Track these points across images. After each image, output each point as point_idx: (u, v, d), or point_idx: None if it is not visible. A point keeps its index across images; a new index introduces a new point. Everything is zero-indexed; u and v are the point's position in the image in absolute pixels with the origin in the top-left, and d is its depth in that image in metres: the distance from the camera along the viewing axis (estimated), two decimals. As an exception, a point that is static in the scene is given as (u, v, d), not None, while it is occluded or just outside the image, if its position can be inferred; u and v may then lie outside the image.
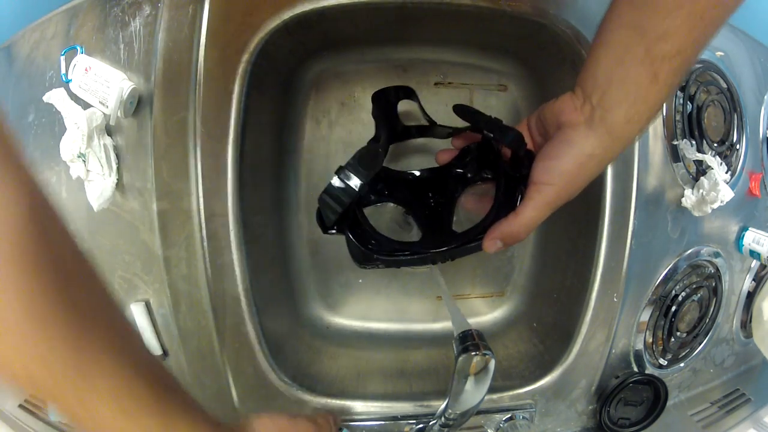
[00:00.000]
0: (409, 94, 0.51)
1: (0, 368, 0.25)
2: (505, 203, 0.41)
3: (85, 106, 0.47)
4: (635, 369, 0.55)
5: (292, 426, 0.41)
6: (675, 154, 0.52)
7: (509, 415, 0.50)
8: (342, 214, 0.38)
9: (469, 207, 0.48)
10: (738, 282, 0.60)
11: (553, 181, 0.37)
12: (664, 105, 0.51)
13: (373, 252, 0.41)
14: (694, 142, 0.52)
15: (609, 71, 0.34)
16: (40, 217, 0.26)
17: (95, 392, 0.27)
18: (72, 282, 0.27)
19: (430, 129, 0.52)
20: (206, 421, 0.34)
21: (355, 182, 0.36)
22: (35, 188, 0.26)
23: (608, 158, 0.36)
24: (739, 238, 0.58)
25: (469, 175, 0.49)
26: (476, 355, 0.36)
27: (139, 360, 0.30)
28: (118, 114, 0.45)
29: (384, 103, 0.51)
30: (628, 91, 0.34)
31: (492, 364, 0.37)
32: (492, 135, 0.40)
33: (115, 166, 0.47)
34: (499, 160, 0.43)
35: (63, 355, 0.26)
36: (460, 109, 0.44)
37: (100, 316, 0.29)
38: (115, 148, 0.47)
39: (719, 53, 0.55)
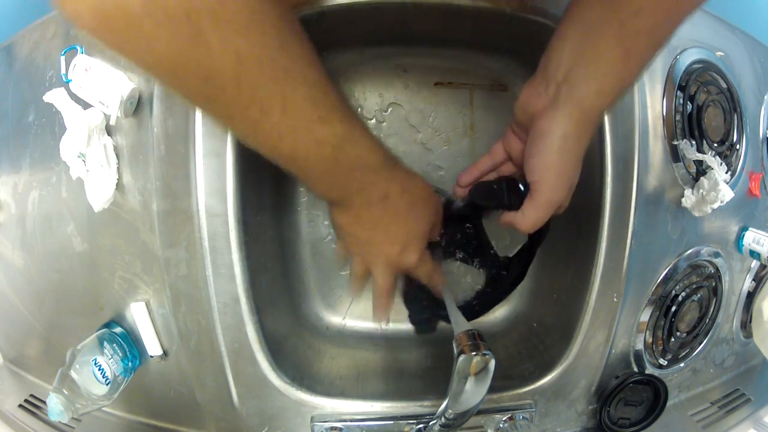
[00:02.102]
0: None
1: (209, 57, 0.25)
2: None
3: (85, 106, 0.47)
4: (635, 369, 0.55)
5: (433, 199, 0.46)
6: (675, 154, 0.52)
7: (509, 415, 0.50)
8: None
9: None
10: (738, 282, 0.60)
11: (543, 177, 0.37)
12: (664, 104, 0.51)
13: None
14: (694, 142, 0.52)
15: (578, 47, 0.35)
16: None
17: (296, 82, 0.29)
18: None
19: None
20: (377, 138, 0.37)
21: None
22: None
23: (584, 132, 0.36)
24: (739, 238, 0.58)
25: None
26: (476, 355, 0.36)
27: (325, 72, 0.31)
28: (118, 114, 0.45)
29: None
30: (598, 67, 0.34)
31: (492, 364, 0.37)
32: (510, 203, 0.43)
33: (115, 166, 0.47)
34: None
35: (273, 41, 0.27)
36: (476, 193, 0.47)
37: (296, 25, 0.30)
38: (115, 148, 0.47)
39: (719, 53, 0.55)
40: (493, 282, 0.57)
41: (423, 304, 0.55)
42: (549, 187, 0.38)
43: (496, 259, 0.57)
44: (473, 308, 0.58)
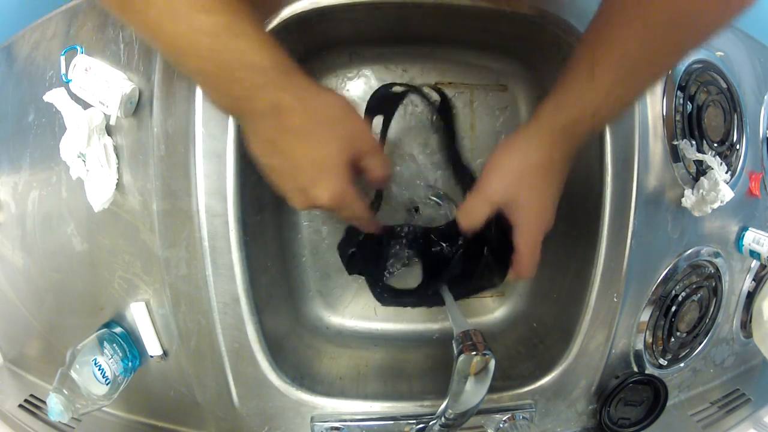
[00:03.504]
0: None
1: None
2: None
3: (85, 106, 0.47)
4: (635, 369, 0.55)
5: (353, 116, 0.37)
6: (675, 154, 0.52)
7: (509, 415, 0.50)
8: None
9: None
10: (738, 282, 0.60)
11: (488, 167, 0.40)
12: (664, 104, 0.51)
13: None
14: (694, 142, 0.52)
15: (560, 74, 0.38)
16: None
17: None
18: None
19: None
20: (273, 40, 0.32)
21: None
22: None
23: (534, 137, 0.38)
24: (739, 238, 0.57)
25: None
26: (476, 355, 0.36)
27: None
28: (118, 114, 0.45)
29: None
30: (563, 81, 0.36)
31: (492, 364, 0.37)
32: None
33: (115, 166, 0.47)
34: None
35: None
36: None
37: None
38: (115, 148, 0.47)
39: (719, 53, 0.55)
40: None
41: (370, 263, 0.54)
42: (486, 169, 0.39)
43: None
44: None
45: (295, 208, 0.38)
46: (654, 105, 0.50)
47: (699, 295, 0.56)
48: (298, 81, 0.34)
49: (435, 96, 0.54)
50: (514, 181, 0.38)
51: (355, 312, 0.61)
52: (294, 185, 0.36)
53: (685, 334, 0.57)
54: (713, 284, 0.58)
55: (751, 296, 0.62)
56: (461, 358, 0.36)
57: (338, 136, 0.35)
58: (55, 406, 0.44)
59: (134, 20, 0.30)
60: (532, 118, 0.38)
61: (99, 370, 0.46)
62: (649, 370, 0.56)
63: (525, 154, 0.38)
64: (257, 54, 0.31)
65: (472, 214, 0.40)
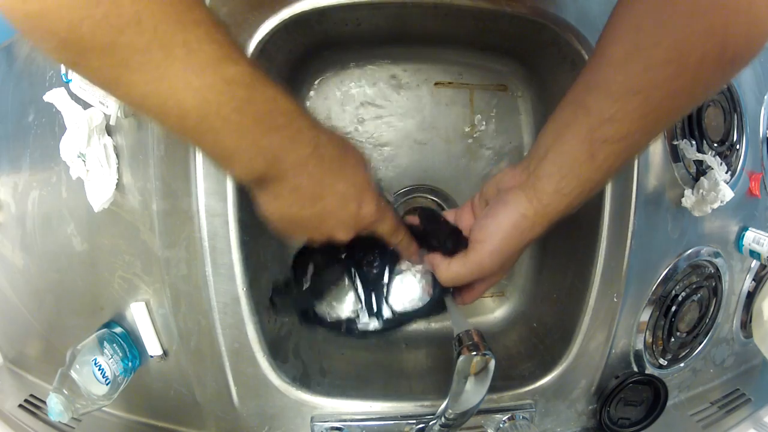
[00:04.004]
0: None
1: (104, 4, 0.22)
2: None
3: (85, 106, 0.47)
4: (635, 369, 0.55)
5: (354, 149, 0.37)
6: (675, 154, 0.52)
7: (509, 415, 0.50)
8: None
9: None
10: (738, 282, 0.60)
11: (487, 238, 0.37)
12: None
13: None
14: (694, 142, 0.52)
15: (549, 143, 0.35)
16: None
17: (201, 34, 0.25)
18: None
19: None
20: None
21: None
22: None
23: (539, 224, 0.36)
24: (739, 238, 0.58)
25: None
26: (476, 355, 0.36)
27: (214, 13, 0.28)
28: (118, 114, 0.45)
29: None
30: (562, 165, 0.34)
31: (492, 364, 0.37)
32: (444, 247, 0.40)
33: (115, 166, 0.47)
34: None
35: None
36: (424, 215, 0.44)
37: None
38: (115, 148, 0.47)
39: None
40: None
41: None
42: (488, 250, 0.37)
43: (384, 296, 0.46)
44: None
45: (341, 240, 0.37)
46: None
47: (699, 295, 0.56)
48: (314, 116, 0.34)
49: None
50: (508, 258, 0.38)
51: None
52: (343, 216, 0.36)
53: (685, 334, 0.57)
54: (713, 284, 0.58)
55: (751, 296, 0.62)
56: (461, 358, 0.36)
57: (361, 158, 0.37)
58: (55, 406, 0.44)
59: (149, 84, 0.26)
60: (530, 193, 0.36)
61: (99, 370, 0.46)
62: (649, 370, 0.56)
63: (525, 236, 0.37)
64: (286, 98, 0.30)
65: (462, 277, 0.39)
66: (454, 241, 0.40)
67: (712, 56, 0.28)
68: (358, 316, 0.45)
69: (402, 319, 0.44)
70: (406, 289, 0.45)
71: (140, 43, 0.24)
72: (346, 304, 0.45)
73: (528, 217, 0.36)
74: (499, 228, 0.37)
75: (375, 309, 0.44)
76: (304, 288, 0.44)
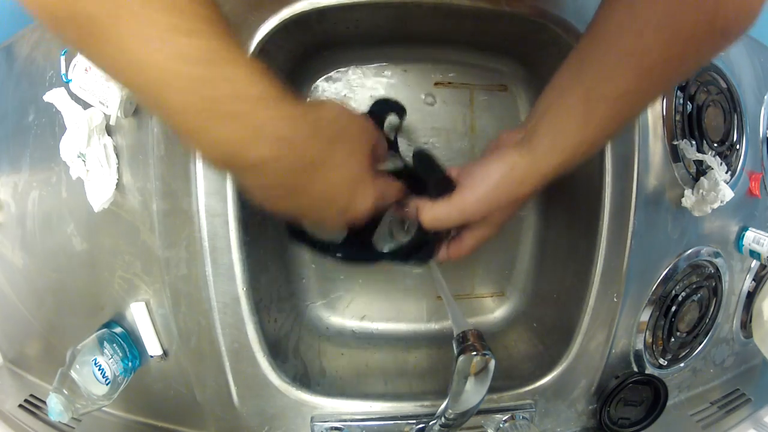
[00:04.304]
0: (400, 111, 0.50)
1: None
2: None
3: (85, 106, 0.47)
4: (635, 369, 0.55)
5: (358, 120, 0.35)
6: (675, 154, 0.52)
7: (509, 415, 0.50)
8: None
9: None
10: (738, 282, 0.60)
11: (473, 184, 0.38)
12: (664, 104, 0.51)
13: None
14: (694, 142, 0.52)
15: (547, 103, 0.37)
16: None
17: (155, 3, 0.23)
18: None
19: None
20: (254, 60, 0.28)
21: None
22: None
23: (530, 179, 0.37)
24: (739, 238, 0.58)
25: None
26: (476, 355, 0.36)
27: None
28: (118, 114, 0.45)
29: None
30: (558, 122, 0.35)
31: (492, 364, 0.37)
32: (430, 191, 0.40)
33: (115, 166, 0.47)
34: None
35: None
36: (418, 157, 0.44)
37: None
38: (115, 148, 0.47)
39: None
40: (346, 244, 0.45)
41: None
42: (472, 195, 0.38)
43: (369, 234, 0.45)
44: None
45: (335, 229, 0.37)
46: (654, 105, 0.50)
47: (699, 295, 0.56)
48: (297, 105, 0.29)
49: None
50: (494, 208, 0.38)
51: (356, 312, 0.61)
52: (331, 212, 0.33)
53: (685, 334, 0.57)
54: (713, 284, 0.58)
55: (751, 296, 0.62)
56: (461, 358, 0.36)
57: (355, 148, 0.33)
58: (55, 406, 0.44)
59: (100, 55, 0.25)
60: (525, 149, 0.36)
61: (99, 370, 0.46)
62: (649, 370, 0.56)
63: (514, 189, 0.37)
64: (253, 82, 0.26)
65: (442, 220, 0.39)
66: (442, 186, 0.40)
67: (704, 27, 0.29)
68: (343, 243, 0.43)
69: (382, 255, 0.44)
70: (388, 230, 0.44)
71: (97, 13, 0.22)
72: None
73: (518, 169, 0.36)
74: (486, 175, 0.37)
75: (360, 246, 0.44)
76: None
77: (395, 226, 0.45)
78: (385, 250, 0.44)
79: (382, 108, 0.49)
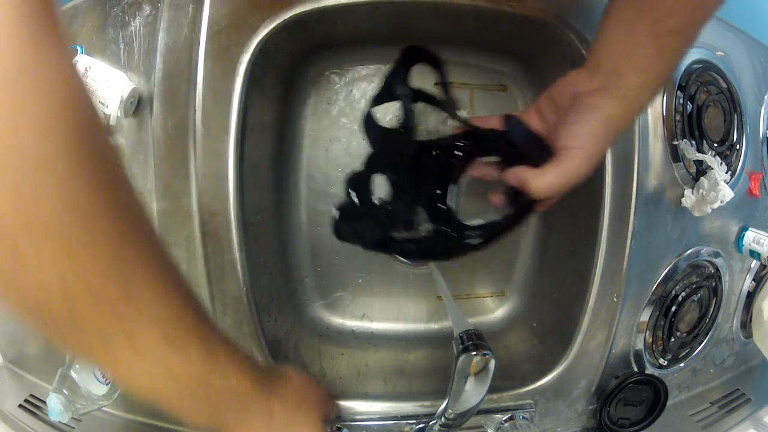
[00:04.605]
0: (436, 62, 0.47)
1: (29, 281, 0.20)
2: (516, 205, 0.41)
3: (85, 106, 0.47)
4: (635, 369, 0.55)
5: (312, 386, 0.42)
6: (675, 154, 0.52)
7: (509, 415, 0.50)
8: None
9: (476, 174, 0.46)
10: (738, 282, 0.60)
11: (580, 144, 0.36)
12: (664, 104, 0.51)
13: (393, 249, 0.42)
14: (694, 142, 0.52)
15: (617, 45, 0.36)
16: (82, 103, 0.21)
17: (140, 316, 0.24)
18: (115, 180, 0.23)
19: (438, 102, 0.48)
20: (244, 356, 0.33)
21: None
22: (76, 74, 0.21)
23: (625, 122, 0.37)
24: (739, 238, 0.57)
25: (475, 154, 0.45)
26: (476, 355, 0.36)
27: (182, 284, 0.28)
28: (118, 114, 0.45)
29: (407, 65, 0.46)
30: (637, 62, 0.35)
31: (492, 364, 0.37)
32: (532, 158, 0.38)
33: (115, 166, 0.47)
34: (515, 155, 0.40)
35: (107, 265, 0.22)
36: (510, 123, 0.42)
37: (145, 227, 0.25)
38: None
39: (719, 53, 0.55)
40: (436, 237, 0.44)
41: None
42: (582, 155, 0.36)
43: (454, 222, 0.44)
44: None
45: None
46: (654, 105, 0.50)
47: (699, 295, 0.56)
48: (273, 379, 0.37)
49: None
50: (599, 163, 0.38)
51: (356, 312, 0.61)
52: None
53: (685, 334, 0.57)
54: (713, 284, 0.58)
55: (751, 296, 0.62)
56: (461, 358, 0.36)
57: (316, 413, 0.40)
58: (55, 406, 0.44)
59: (98, 364, 0.28)
60: (614, 94, 0.36)
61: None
62: (649, 370, 0.56)
63: (614, 138, 0.37)
64: (243, 382, 0.32)
65: (556, 186, 0.37)
66: (544, 151, 0.38)
67: None
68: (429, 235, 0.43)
69: (478, 238, 0.42)
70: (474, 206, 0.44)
71: (77, 334, 0.23)
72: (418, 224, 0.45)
73: (615, 118, 0.36)
74: (590, 133, 0.36)
75: (445, 224, 0.42)
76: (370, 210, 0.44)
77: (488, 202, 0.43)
78: (474, 224, 0.42)
79: (409, 59, 0.46)
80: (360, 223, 0.47)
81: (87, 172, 0.20)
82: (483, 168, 0.46)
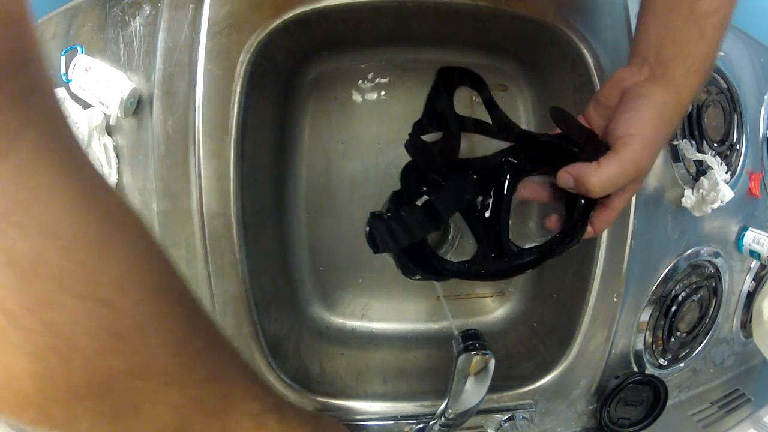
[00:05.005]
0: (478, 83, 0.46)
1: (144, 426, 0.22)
2: (576, 218, 0.37)
3: (85, 106, 0.47)
4: (635, 369, 0.55)
5: None
6: (675, 154, 0.52)
7: (509, 415, 0.50)
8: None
9: (527, 195, 0.41)
10: (738, 282, 0.60)
11: (638, 131, 0.34)
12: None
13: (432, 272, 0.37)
14: (694, 142, 0.52)
15: (659, 33, 0.36)
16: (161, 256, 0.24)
17: (243, 424, 0.27)
18: (194, 307, 0.25)
19: (486, 127, 0.46)
20: (307, 413, 0.36)
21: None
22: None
23: (679, 109, 0.36)
24: (739, 238, 0.57)
25: (526, 166, 0.40)
26: (476, 355, 0.36)
27: (247, 365, 0.30)
28: (118, 114, 0.45)
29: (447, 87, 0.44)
30: (680, 48, 0.35)
31: (492, 364, 0.37)
32: (586, 152, 0.35)
33: (115, 166, 0.47)
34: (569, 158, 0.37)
35: (209, 382, 0.25)
36: (556, 113, 0.39)
37: (219, 338, 0.28)
38: (115, 148, 0.47)
39: (719, 53, 0.55)
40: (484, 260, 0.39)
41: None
42: (641, 143, 0.34)
43: (507, 244, 0.39)
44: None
45: None
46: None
47: (699, 295, 0.56)
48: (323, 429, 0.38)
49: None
50: (656, 155, 0.36)
51: (356, 312, 0.61)
52: None
53: (685, 334, 0.57)
54: (713, 284, 0.58)
55: (751, 296, 0.62)
56: (461, 358, 0.36)
57: None
58: (55, 406, 0.44)
59: None
60: (663, 83, 0.35)
61: (99, 370, 0.46)
62: (649, 370, 0.56)
63: (670, 127, 0.36)
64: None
65: (618, 179, 0.35)
66: (599, 144, 0.35)
67: None
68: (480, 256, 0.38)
69: (533, 255, 0.38)
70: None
71: None
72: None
73: (669, 105, 0.35)
74: (645, 120, 0.35)
75: (496, 247, 0.38)
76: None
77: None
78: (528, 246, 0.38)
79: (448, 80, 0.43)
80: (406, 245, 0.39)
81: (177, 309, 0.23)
82: (533, 187, 0.41)
